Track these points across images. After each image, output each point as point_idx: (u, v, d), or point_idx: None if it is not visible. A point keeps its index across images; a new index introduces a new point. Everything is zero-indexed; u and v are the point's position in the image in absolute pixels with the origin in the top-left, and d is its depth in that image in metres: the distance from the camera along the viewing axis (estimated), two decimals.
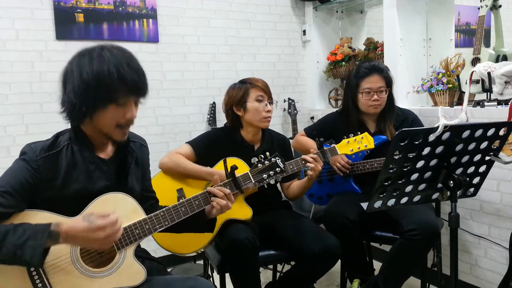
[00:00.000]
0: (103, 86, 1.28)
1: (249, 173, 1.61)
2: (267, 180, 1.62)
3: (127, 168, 1.47)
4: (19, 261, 1.21)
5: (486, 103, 2.29)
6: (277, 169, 1.62)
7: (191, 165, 2.03)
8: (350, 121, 2.28)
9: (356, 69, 2.28)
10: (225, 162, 1.64)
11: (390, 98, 2.27)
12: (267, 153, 1.65)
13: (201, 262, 2.78)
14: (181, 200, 1.48)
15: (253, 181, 1.61)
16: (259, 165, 1.62)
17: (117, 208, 1.36)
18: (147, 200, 1.58)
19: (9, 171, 1.33)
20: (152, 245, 1.96)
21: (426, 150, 1.36)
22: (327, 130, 2.33)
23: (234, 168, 1.57)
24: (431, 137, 1.32)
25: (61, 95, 1.35)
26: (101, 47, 1.33)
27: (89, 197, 1.35)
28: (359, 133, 2.01)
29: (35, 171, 1.31)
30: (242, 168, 1.83)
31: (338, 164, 2.25)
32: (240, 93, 2.06)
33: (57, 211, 1.32)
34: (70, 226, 1.24)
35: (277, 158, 1.63)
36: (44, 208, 1.32)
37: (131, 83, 1.31)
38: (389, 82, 2.24)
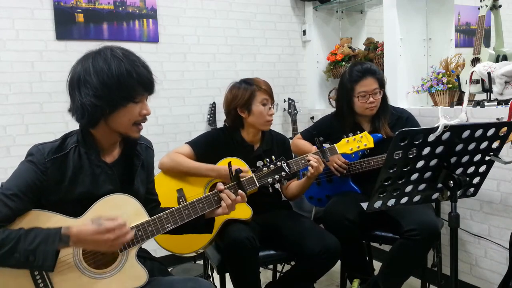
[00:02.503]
0: (124, 86, 1.30)
1: (254, 177, 1.60)
2: (271, 184, 1.62)
3: (134, 171, 1.47)
4: (31, 266, 1.23)
5: (486, 103, 2.29)
6: (283, 173, 1.62)
7: (191, 163, 2.03)
8: (345, 123, 2.29)
9: (349, 73, 2.26)
10: (230, 166, 1.63)
11: (384, 98, 2.28)
12: (273, 157, 1.64)
13: (201, 262, 2.78)
14: (184, 203, 1.48)
15: (258, 185, 1.60)
16: (264, 168, 1.61)
17: (120, 210, 1.37)
18: (149, 202, 1.57)
19: (16, 173, 1.32)
20: (152, 245, 1.95)
21: (426, 150, 1.36)
22: (324, 132, 2.33)
23: (239, 171, 1.56)
24: (431, 137, 1.32)
25: (75, 100, 1.34)
26: (109, 48, 1.34)
27: (93, 200, 1.36)
28: (358, 132, 2.01)
29: (43, 173, 1.32)
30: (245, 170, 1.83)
31: (335, 164, 2.25)
32: (246, 95, 2.05)
33: (61, 212, 1.32)
34: (80, 229, 1.25)
35: (282, 162, 1.62)
36: (49, 209, 1.32)
37: (146, 81, 1.35)
38: (382, 83, 2.25)
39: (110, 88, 1.29)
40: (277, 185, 1.63)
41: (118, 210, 1.36)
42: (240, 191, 1.56)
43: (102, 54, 1.32)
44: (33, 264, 1.22)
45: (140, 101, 1.37)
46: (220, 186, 1.55)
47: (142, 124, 1.41)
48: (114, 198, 1.37)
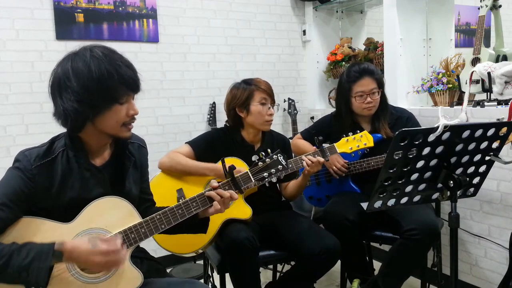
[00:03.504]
0: (106, 88, 1.25)
1: (249, 172, 1.54)
2: (268, 178, 1.54)
3: (125, 173, 1.44)
4: (24, 282, 1.19)
5: (486, 103, 2.29)
6: (279, 166, 1.54)
7: (190, 162, 2.03)
8: (344, 123, 2.28)
9: (347, 73, 2.26)
10: (223, 161, 1.60)
11: (383, 98, 2.27)
12: (269, 150, 1.58)
13: (201, 262, 2.78)
14: (177, 202, 1.44)
15: (253, 181, 1.53)
16: (259, 163, 1.54)
17: (111, 213, 1.34)
18: (143, 202, 1.55)
19: (3, 181, 1.29)
20: (152, 245, 1.95)
21: (426, 150, 1.36)
22: (323, 132, 2.33)
23: (232, 168, 1.52)
24: (431, 137, 1.32)
25: (57, 105, 1.29)
26: (88, 48, 1.29)
27: (84, 205, 1.33)
28: (358, 131, 2.01)
29: (30, 180, 1.28)
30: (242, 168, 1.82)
31: (334, 167, 2.25)
32: (244, 95, 2.05)
33: (52, 217, 1.30)
34: (74, 247, 1.22)
35: (278, 155, 1.55)
36: (40, 215, 1.30)
37: (129, 80, 1.29)
38: (380, 83, 2.24)
39: (92, 92, 1.24)
40: (274, 179, 1.58)
41: (109, 213, 1.34)
42: (230, 191, 1.50)
43: (81, 55, 1.27)
44: (26, 280, 1.18)
45: (126, 101, 1.31)
46: (214, 183, 1.51)
47: (132, 124, 1.36)
48: (105, 201, 1.34)
